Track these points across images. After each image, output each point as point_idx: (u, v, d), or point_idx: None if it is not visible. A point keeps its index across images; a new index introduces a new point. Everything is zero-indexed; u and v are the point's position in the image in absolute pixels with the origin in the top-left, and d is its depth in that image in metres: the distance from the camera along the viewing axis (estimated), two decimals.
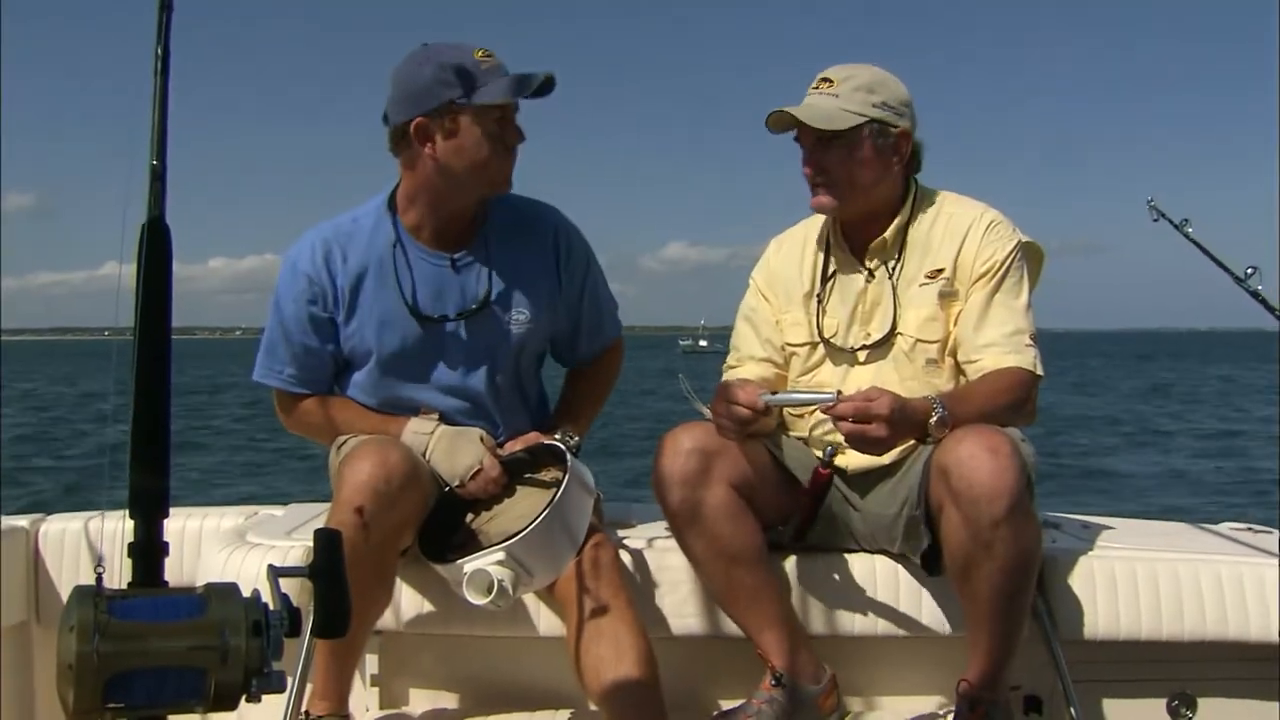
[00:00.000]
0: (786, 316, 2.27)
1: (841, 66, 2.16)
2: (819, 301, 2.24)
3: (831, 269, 2.25)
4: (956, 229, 2.16)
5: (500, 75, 2.04)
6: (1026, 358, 2.08)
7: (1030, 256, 2.19)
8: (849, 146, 2.11)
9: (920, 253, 2.17)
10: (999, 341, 2.08)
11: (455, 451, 2.08)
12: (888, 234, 2.18)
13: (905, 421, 1.89)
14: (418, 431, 2.12)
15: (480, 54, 2.04)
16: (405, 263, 2.15)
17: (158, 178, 0.97)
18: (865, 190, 2.14)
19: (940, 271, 2.14)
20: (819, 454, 2.15)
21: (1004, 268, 2.12)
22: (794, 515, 2.17)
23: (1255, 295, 2.14)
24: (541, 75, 2.04)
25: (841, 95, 2.11)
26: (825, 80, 2.14)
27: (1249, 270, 2.15)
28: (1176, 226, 2.28)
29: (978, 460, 1.85)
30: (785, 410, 2.28)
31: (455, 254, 2.17)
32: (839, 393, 1.93)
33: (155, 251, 0.95)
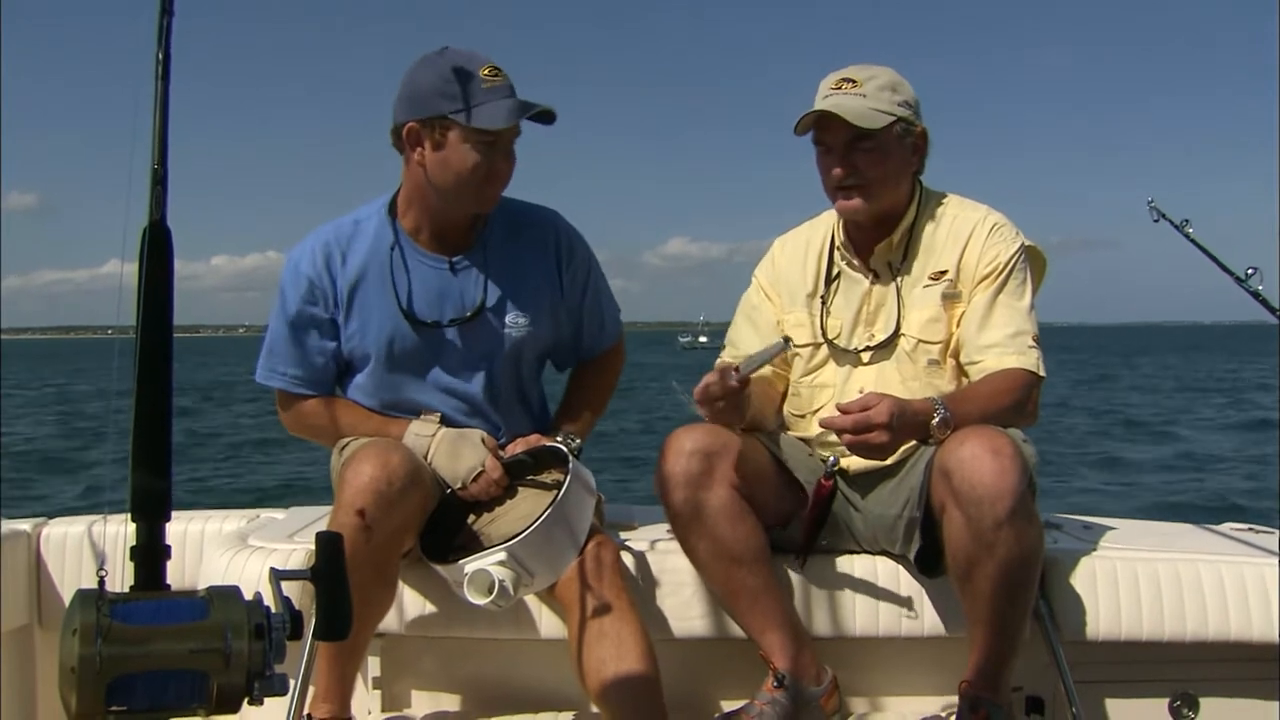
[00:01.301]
0: (789, 317, 2.27)
1: (859, 67, 2.14)
2: (823, 302, 2.24)
3: (836, 270, 2.25)
4: (960, 231, 2.16)
5: (501, 97, 2.02)
6: (1029, 359, 2.07)
7: (1033, 260, 2.19)
8: (881, 147, 2.10)
9: (924, 255, 2.17)
10: (1001, 342, 2.08)
11: (457, 453, 2.08)
12: (894, 236, 2.18)
13: (906, 424, 1.89)
14: (419, 434, 2.12)
15: (486, 71, 2.01)
16: (403, 266, 2.15)
17: (159, 181, 0.96)
18: (893, 190, 2.14)
19: (944, 273, 2.14)
20: (824, 457, 2.15)
21: (1007, 269, 2.11)
22: (795, 520, 2.17)
23: (1256, 296, 2.13)
24: (539, 107, 2.04)
25: (869, 95, 2.10)
26: (848, 80, 2.11)
27: (1249, 271, 2.15)
28: (1177, 227, 2.27)
29: (980, 461, 1.85)
30: (788, 410, 2.27)
31: (454, 258, 2.17)
32: (787, 339, 1.95)
33: (156, 255, 0.95)
